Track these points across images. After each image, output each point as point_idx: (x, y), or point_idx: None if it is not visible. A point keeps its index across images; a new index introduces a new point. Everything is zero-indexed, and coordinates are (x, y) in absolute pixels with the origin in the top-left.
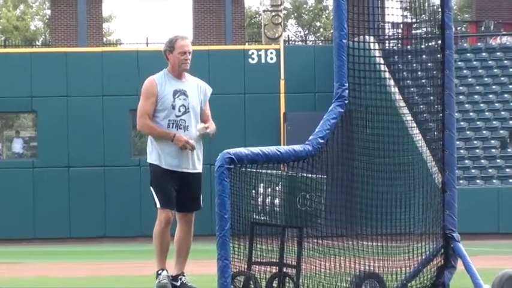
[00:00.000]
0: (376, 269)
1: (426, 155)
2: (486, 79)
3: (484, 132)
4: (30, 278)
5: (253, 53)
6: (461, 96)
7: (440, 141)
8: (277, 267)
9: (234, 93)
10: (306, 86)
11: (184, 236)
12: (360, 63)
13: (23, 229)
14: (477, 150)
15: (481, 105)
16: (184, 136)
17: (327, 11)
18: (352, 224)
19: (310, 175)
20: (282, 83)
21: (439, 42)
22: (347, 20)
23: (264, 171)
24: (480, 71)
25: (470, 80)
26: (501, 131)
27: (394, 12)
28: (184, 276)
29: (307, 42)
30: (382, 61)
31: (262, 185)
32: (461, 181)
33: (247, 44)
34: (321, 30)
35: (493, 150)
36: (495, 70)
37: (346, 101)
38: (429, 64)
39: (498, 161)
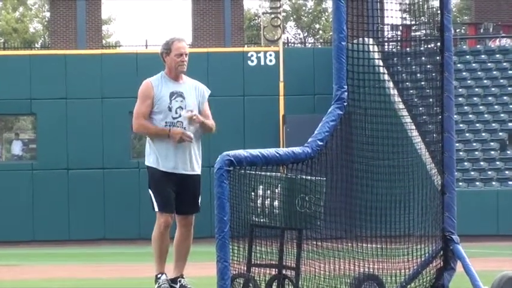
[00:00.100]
0: (375, 271)
1: (425, 157)
2: (485, 81)
3: (484, 134)
4: (30, 280)
5: (252, 55)
6: (460, 99)
7: (440, 143)
8: (276, 270)
9: (233, 96)
10: (305, 88)
11: (184, 238)
12: (359, 65)
13: (22, 231)
14: (476, 153)
15: (480, 107)
16: (179, 128)
17: (326, 13)
18: (351, 226)
19: (309, 177)
20: (281, 85)
21: (438, 44)
22: (346, 22)
23: (263, 173)
24: (479, 73)
25: (469, 82)
26: (500, 133)
27: (393, 14)
28: (183, 278)
29: (307, 44)
30: (381, 63)
31: (261, 187)
32: (460, 183)
33: (246, 46)
34: (320, 32)
35: (492, 152)
36: (494, 72)
37: (345, 103)
38: (428, 66)
39: (497, 163)
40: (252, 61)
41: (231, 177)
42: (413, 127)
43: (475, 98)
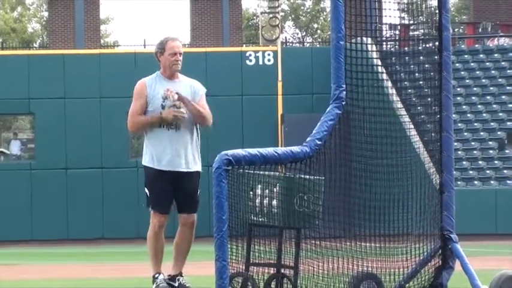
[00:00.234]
0: (374, 270)
1: (424, 156)
2: (484, 80)
3: (482, 133)
4: (29, 280)
5: (250, 55)
6: (458, 98)
7: (438, 142)
8: (275, 269)
9: (231, 95)
10: (303, 87)
11: (184, 237)
12: (358, 64)
13: (20, 230)
14: (475, 152)
15: (479, 106)
16: (170, 109)
17: (325, 13)
18: (349, 225)
19: (307, 176)
20: (280, 84)
21: (437, 43)
22: (344, 21)
23: (261, 172)
24: (478, 72)
25: (467, 81)
26: (499, 132)
27: (391, 13)
28: (182, 276)
29: (305, 44)
30: (379, 63)
31: (260, 186)
32: (459, 182)
33: (244, 45)
34: (319, 32)
35: (491, 151)
36: (493, 71)
37: (344, 103)
38: (427, 65)
39: (496, 162)
40: (250, 61)
41: (230, 177)
42: (412, 126)
43: (473, 97)
